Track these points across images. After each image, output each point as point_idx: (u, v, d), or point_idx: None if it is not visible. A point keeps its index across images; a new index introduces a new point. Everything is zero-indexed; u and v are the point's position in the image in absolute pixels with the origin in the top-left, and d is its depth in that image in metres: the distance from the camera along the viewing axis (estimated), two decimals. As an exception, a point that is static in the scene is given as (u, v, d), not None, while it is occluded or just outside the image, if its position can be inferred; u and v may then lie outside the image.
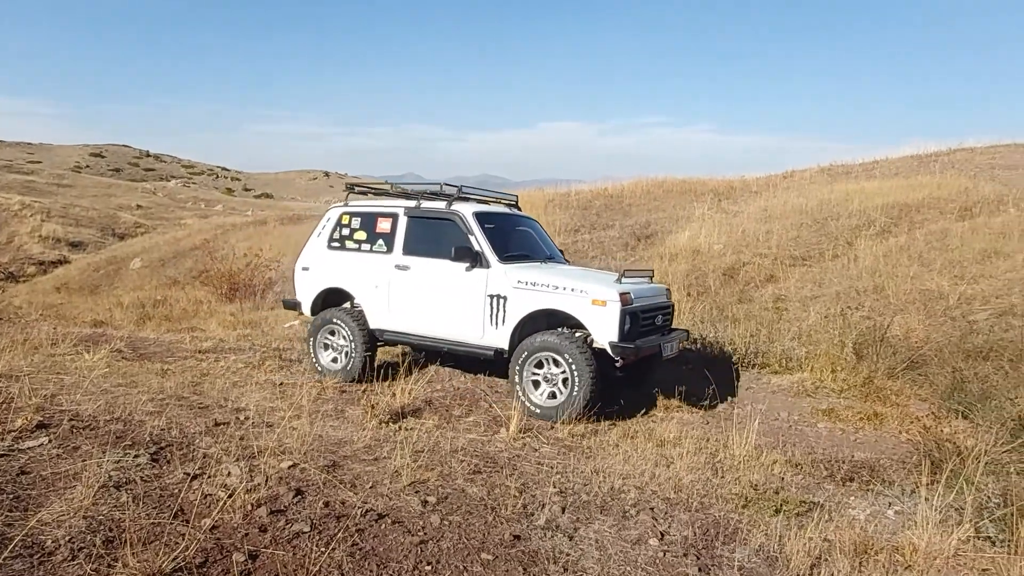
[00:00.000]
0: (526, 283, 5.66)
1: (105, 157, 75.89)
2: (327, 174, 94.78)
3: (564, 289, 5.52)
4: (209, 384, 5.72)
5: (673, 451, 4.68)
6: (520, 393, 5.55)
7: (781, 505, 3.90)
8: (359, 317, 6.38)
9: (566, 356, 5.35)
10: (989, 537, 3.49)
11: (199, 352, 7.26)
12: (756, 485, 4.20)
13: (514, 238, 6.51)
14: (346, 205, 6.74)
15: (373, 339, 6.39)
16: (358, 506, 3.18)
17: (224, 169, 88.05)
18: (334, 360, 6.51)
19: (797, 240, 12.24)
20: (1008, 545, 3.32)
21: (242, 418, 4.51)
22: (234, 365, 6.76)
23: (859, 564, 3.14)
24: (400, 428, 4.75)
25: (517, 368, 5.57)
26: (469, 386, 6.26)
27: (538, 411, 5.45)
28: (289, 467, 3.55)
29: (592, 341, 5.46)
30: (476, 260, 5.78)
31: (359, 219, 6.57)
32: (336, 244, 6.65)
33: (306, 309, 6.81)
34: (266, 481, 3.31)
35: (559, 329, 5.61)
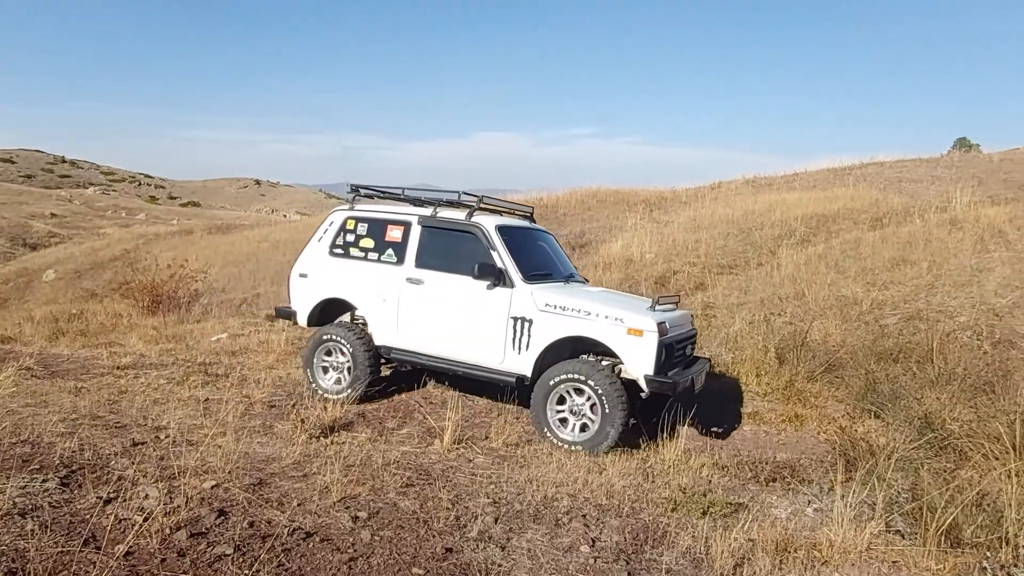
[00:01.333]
0: (555, 307, 5.23)
1: (16, 163, 71.58)
2: (258, 182, 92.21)
3: (597, 316, 5.11)
4: (127, 402, 5.45)
5: (606, 458, 4.75)
6: (547, 430, 5.14)
7: (708, 507, 4.01)
8: (363, 333, 5.89)
9: (593, 385, 4.96)
10: (899, 531, 3.69)
11: (117, 368, 6.90)
12: (685, 488, 4.31)
13: (534, 255, 6.00)
14: (352, 209, 6.17)
15: (378, 357, 5.93)
16: (285, 525, 3.09)
17: (147, 176, 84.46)
18: (337, 381, 5.99)
19: (724, 249, 12.69)
20: (915, 538, 3.52)
21: (162, 437, 4.32)
22: (155, 381, 6.45)
23: (780, 562, 3.27)
24: (331, 442, 4.65)
25: (542, 402, 5.15)
26: (403, 397, 6.19)
27: (561, 444, 5.05)
28: (212, 487, 3.42)
29: (620, 371, 5.15)
30: (499, 278, 5.35)
31: (366, 225, 6.03)
32: (339, 251, 6.10)
33: (302, 319, 6.28)
34: (187, 503, 3.17)
35: (584, 357, 5.28)
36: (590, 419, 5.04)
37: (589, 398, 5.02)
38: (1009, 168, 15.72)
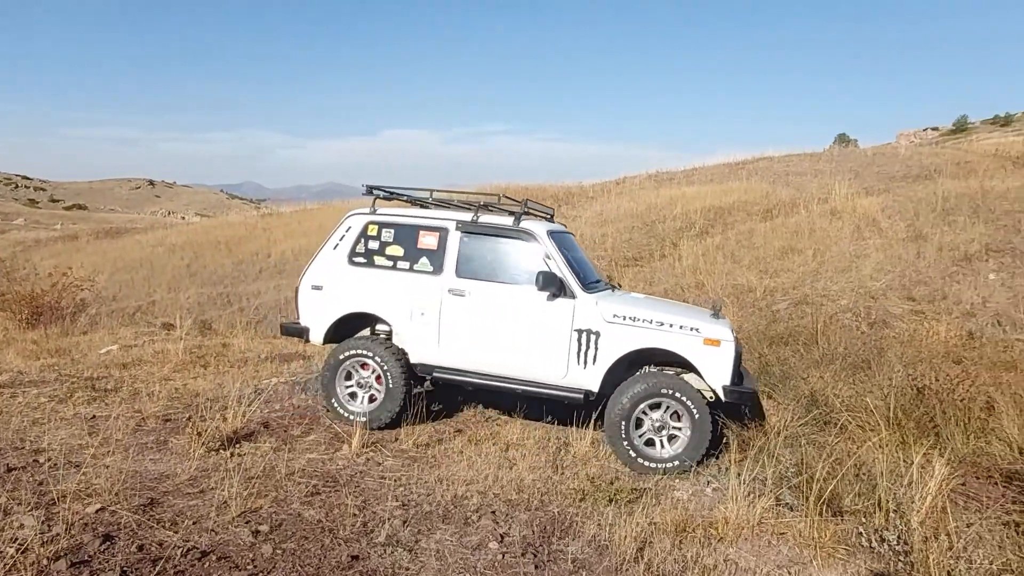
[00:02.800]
0: (624, 317, 4.91)
1: None
2: (152, 183, 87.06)
3: (671, 326, 4.84)
4: (2, 424, 5.02)
5: (517, 453, 4.81)
6: (630, 449, 4.76)
7: (615, 495, 4.13)
8: (397, 349, 5.38)
9: (689, 406, 4.67)
10: (787, 504, 3.93)
11: (-9, 388, 6.34)
12: (593, 478, 4.43)
13: (578, 260, 5.61)
14: (373, 213, 5.56)
15: (414, 376, 5.45)
16: (178, 546, 2.94)
17: (25, 178, 77.97)
18: (370, 399, 5.42)
19: (630, 242, 13.10)
20: (801, 509, 3.76)
21: (42, 460, 4.01)
22: (35, 400, 5.97)
23: (679, 542, 3.42)
24: (232, 455, 4.46)
25: (621, 413, 4.77)
26: (310, 403, 6.02)
27: (657, 466, 4.70)
28: (97, 511, 3.21)
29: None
30: (560, 288, 5.01)
31: (392, 231, 5.47)
32: (361, 259, 5.50)
33: (316, 337, 5.59)
34: (67, 529, 2.97)
35: (664, 370, 5.06)
36: (676, 434, 4.77)
37: (675, 413, 4.76)
38: (881, 162, 17.07)
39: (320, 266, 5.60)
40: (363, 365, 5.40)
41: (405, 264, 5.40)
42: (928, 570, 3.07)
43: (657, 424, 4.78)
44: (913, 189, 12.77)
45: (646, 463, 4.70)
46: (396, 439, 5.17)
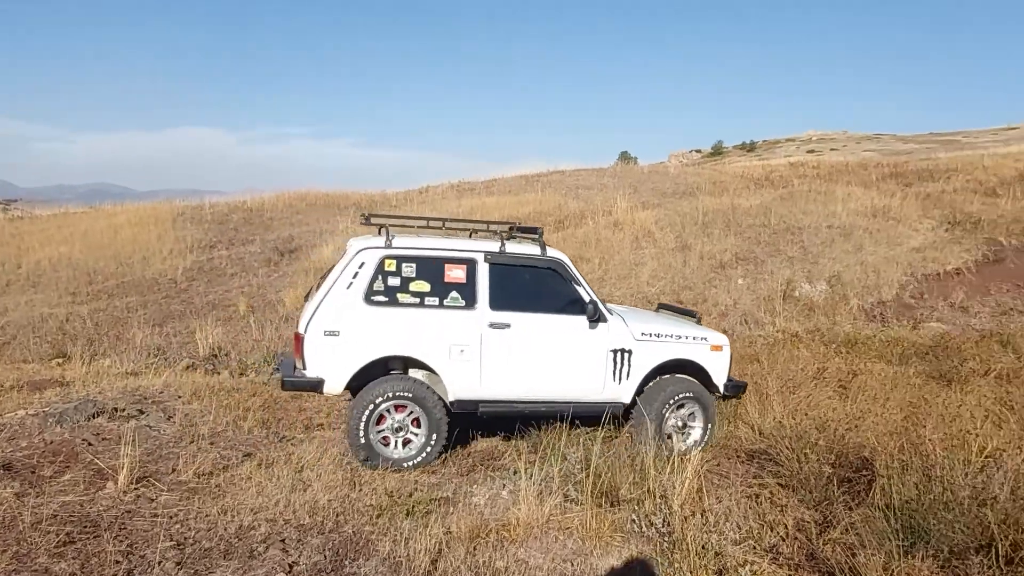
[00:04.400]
0: (650, 335, 5.44)
1: None
2: None
3: (688, 338, 5.54)
4: None
5: (312, 473, 4.61)
6: (665, 443, 5.28)
7: (413, 507, 4.13)
8: (432, 388, 5.10)
9: (702, 404, 5.46)
10: (573, 499, 4.21)
11: None
12: (392, 492, 4.39)
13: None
14: (388, 247, 5.06)
15: (450, 413, 5.15)
16: None
17: None
18: (404, 443, 5.05)
19: (432, 251, 13.19)
20: (585, 503, 4.06)
21: None
22: None
23: (473, 548, 3.51)
24: (-43, 508, 3.75)
25: (652, 419, 5.23)
26: (66, 437, 5.26)
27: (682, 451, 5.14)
28: None
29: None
30: (596, 313, 5.22)
31: (413, 265, 5.08)
32: (381, 298, 5.01)
33: (336, 386, 4.98)
34: None
35: (680, 376, 5.57)
36: (694, 427, 5.52)
37: (691, 413, 5.50)
38: (656, 179, 19.12)
39: (332, 308, 4.95)
40: (398, 407, 5.03)
41: (434, 300, 5.08)
42: (687, 546, 3.47)
43: (682, 420, 5.49)
44: (680, 204, 14.44)
45: (674, 447, 5.27)
46: (173, 470, 4.70)
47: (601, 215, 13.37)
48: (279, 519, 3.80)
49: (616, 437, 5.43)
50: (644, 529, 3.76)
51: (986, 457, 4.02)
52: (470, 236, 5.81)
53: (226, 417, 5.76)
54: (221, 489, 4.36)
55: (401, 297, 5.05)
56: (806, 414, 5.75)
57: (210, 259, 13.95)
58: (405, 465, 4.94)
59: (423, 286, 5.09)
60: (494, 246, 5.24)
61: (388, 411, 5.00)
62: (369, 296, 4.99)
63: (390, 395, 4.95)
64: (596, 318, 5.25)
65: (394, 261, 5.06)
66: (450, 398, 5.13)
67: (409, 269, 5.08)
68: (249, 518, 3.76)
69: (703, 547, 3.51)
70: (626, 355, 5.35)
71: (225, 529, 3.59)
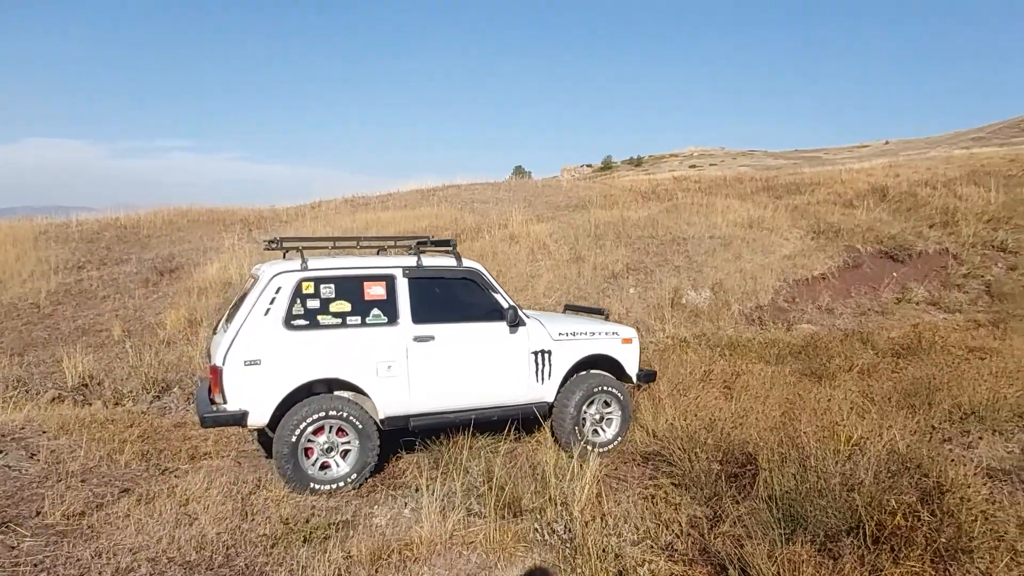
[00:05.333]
0: (567, 334, 5.70)
1: None
2: None
3: (601, 334, 5.89)
4: None
5: (199, 506, 4.33)
6: (584, 436, 5.54)
7: (310, 533, 3.97)
8: (361, 406, 5.02)
9: (618, 394, 5.79)
10: (476, 512, 4.21)
11: None
12: (287, 519, 4.20)
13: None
14: (305, 269, 4.93)
15: (379, 431, 5.08)
16: None
17: None
18: (343, 455, 4.96)
19: (326, 267, 12.83)
20: (488, 516, 4.06)
21: None
22: None
23: (375, 571, 3.42)
24: None
25: (572, 415, 5.56)
26: (-95, 486, 4.65)
27: (602, 448, 5.50)
28: None
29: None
30: (516, 318, 5.39)
31: (332, 286, 4.99)
32: (302, 322, 4.87)
33: (262, 418, 4.76)
34: None
35: (593, 372, 5.84)
36: (610, 422, 5.84)
37: (608, 404, 5.81)
38: (549, 192, 19.54)
39: (251, 336, 4.74)
40: (317, 431, 4.86)
41: (356, 319, 5.03)
42: (588, 550, 3.55)
43: (603, 416, 5.76)
44: (573, 217, 14.84)
45: (592, 442, 5.52)
46: (38, 513, 4.27)
47: (497, 228, 13.50)
48: (162, 557, 3.54)
49: (519, 448, 5.49)
50: (547, 537, 3.81)
51: (853, 446, 4.38)
52: (377, 253, 5.90)
53: (99, 451, 5.31)
54: (94, 530, 4.01)
55: (322, 319, 4.97)
56: (696, 415, 6.04)
57: (79, 281, 12.85)
58: (327, 488, 4.82)
59: (344, 306, 5.04)
60: (411, 261, 5.29)
61: (309, 440, 4.84)
62: (289, 321, 4.87)
63: (320, 416, 4.83)
64: (516, 322, 5.42)
65: (312, 283, 4.98)
66: (380, 416, 5.09)
67: (328, 290, 5.02)
68: (127, 559, 3.47)
69: (603, 550, 3.60)
70: (547, 355, 5.59)
71: (100, 573, 3.30)
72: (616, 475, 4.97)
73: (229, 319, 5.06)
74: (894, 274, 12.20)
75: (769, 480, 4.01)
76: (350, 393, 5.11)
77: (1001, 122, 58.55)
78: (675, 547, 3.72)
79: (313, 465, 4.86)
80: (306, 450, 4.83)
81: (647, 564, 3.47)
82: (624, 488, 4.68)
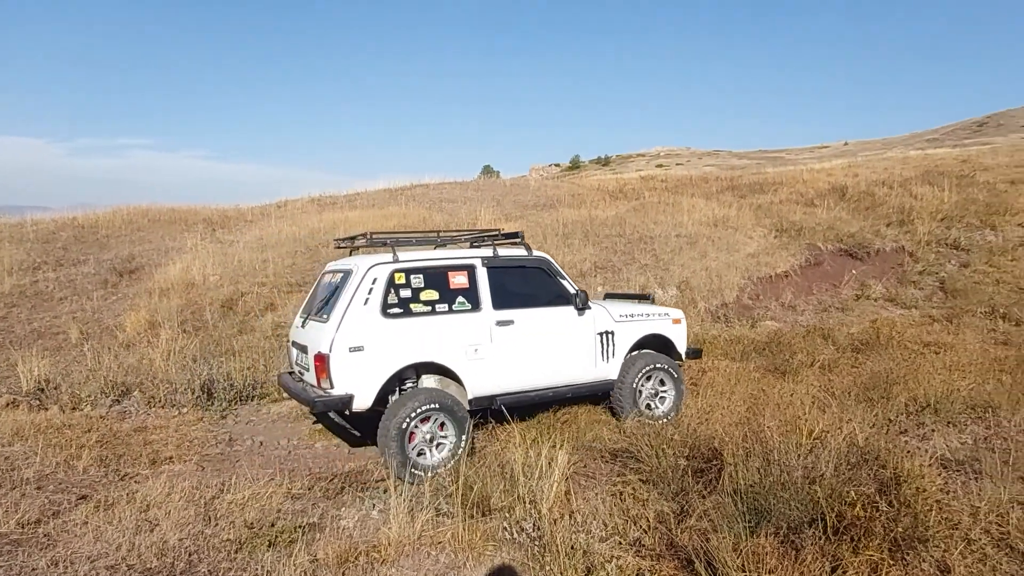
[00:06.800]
0: (627, 315, 6.22)
1: None
2: None
3: (654, 315, 6.44)
4: None
5: (160, 512, 4.23)
6: (645, 407, 6.10)
7: (276, 537, 3.91)
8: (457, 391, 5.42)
9: (672, 372, 6.29)
10: (445, 513, 4.19)
11: None
12: (252, 524, 4.13)
13: None
14: (396, 261, 5.33)
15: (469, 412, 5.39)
16: None
17: None
18: (438, 447, 5.20)
19: (293, 267, 12.67)
20: (457, 516, 4.04)
21: None
22: None
23: (342, 573, 3.38)
24: None
25: (633, 390, 6.07)
26: None
27: (661, 419, 5.96)
28: None
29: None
30: (583, 302, 5.88)
31: (421, 276, 5.39)
32: (396, 311, 5.24)
33: (364, 401, 5.08)
34: None
35: (647, 351, 6.35)
36: (666, 398, 6.34)
37: (663, 383, 6.33)
38: (517, 192, 19.58)
39: (352, 325, 5.08)
40: (424, 420, 5.13)
41: (443, 306, 5.40)
42: (557, 548, 3.56)
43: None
44: (541, 216, 14.89)
45: (649, 415, 6.09)
46: (-8, 525, 4.12)
47: (466, 228, 13.47)
48: (121, 565, 3.46)
49: (488, 447, 5.48)
50: (515, 536, 3.82)
51: (814, 439, 4.47)
52: (435, 246, 6.18)
53: (56, 457, 5.16)
54: (51, 538, 3.90)
55: (414, 307, 5.34)
56: (662, 411, 6.12)
57: (34, 282, 12.45)
58: (435, 472, 4.96)
59: (432, 295, 5.41)
60: (488, 251, 5.72)
61: (416, 426, 5.09)
62: (385, 309, 5.22)
63: (423, 408, 5.08)
64: (583, 306, 5.90)
65: (403, 274, 5.35)
66: (469, 397, 5.44)
67: (417, 280, 5.40)
68: (85, 567, 3.38)
69: (572, 547, 3.61)
70: (610, 336, 6.08)
71: (55, 583, 3.20)
72: (585, 472, 5.00)
73: (319, 312, 5.49)
74: (853, 271, 12.50)
75: (734, 474, 4.07)
76: (437, 377, 5.44)
77: (954, 124, 60.49)
78: (643, 542, 3.75)
79: (413, 450, 5.08)
80: (410, 435, 5.06)
81: (615, 560, 3.49)
82: (592, 485, 4.70)
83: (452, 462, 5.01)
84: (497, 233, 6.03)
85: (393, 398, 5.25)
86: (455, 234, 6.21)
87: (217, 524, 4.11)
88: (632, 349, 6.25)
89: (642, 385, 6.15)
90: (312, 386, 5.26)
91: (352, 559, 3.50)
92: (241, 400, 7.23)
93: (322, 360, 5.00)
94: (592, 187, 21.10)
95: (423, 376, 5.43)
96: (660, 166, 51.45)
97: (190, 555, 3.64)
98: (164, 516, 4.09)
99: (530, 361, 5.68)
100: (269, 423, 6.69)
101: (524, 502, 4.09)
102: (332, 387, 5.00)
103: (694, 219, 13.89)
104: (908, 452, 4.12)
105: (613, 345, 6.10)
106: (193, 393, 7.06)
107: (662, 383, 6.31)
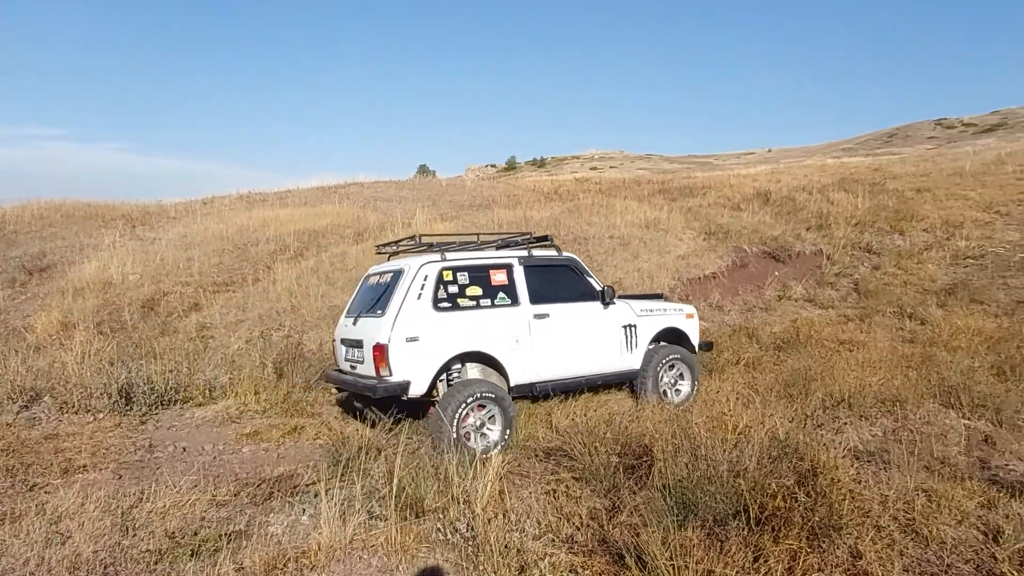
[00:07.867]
0: (648, 310, 6.79)
1: None
2: None
3: (670, 310, 7.06)
4: None
5: (72, 523, 4.00)
6: (663, 394, 6.63)
7: (199, 546, 3.77)
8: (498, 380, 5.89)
9: (689, 365, 6.85)
10: (378, 515, 4.12)
11: None
12: (173, 533, 3.96)
13: None
14: (444, 260, 5.85)
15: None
16: None
17: None
18: (483, 434, 5.59)
19: (220, 266, 12.25)
20: (390, 518, 3.99)
21: None
22: None
23: (270, 581, 3.28)
24: None
25: (655, 378, 6.62)
26: None
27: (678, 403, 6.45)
28: None
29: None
30: (609, 298, 6.41)
31: (466, 274, 5.91)
32: (446, 304, 5.73)
33: (420, 388, 5.50)
34: None
35: (664, 344, 6.94)
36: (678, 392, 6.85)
37: (683, 376, 6.91)
38: (453, 192, 19.54)
39: (408, 317, 5.51)
40: (479, 407, 5.52)
41: (487, 301, 5.89)
42: (490, 547, 3.57)
43: (674, 381, 6.85)
44: (477, 216, 14.89)
45: (670, 400, 6.62)
46: None
47: (401, 227, 13.33)
48: (29, 582, 3.24)
49: (421, 448, 5.44)
50: (449, 536, 3.80)
51: (739, 434, 4.65)
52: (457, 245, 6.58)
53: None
54: (-51, 556, 3.62)
55: (461, 302, 5.81)
56: (595, 410, 6.23)
57: (-70, 281, 11.58)
58: (487, 455, 5.04)
59: (476, 291, 5.90)
60: (523, 252, 6.31)
61: (471, 411, 5.48)
62: (436, 303, 5.67)
63: (472, 397, 5.44)
64: (609, 301, 6.45)
65: (451, 271, 5.84)
66: (511, 383, 5.90)
67: (463, 277, 5.89)
68: (-13, 586, 3.16)
69: (506, 546, 3.62)
70: (633, 329, 6.62)
71: (-47, 604, 2.98)
72: (519, 471, 5.03)
73: (371, 309, 5.88)
74: (776, 273, 13.05)
75: (663, 470, 4.19)
76: (480, 367, 5.87)
77: (867, 134, 64.14)
78: (575, 539, 3.81)
79: (464, 435, 5.42)
80: (463, 417, 5.41)
81: (548, 557, 3.53)
82: (526, 484, 4.73)
83: (494, 449, 5.37)
84: (530, 236, 6.56)
85: (441, 387, 5.67)
86: (493, 238, 6.75)
87: (135, 535, 3.93)
88: (651, 342, 6.81)
89: (664, 374, 6.70)
90: (368, 376, 5.59)
91: (280, 566, 3.41)
92: (163, 404, 6.92)
93: (381, 350, 5.39)
94: (528, 188, 21.26)
95: (467, 365, 5.86)
96: (594, 168, 52.32)
97: (106, 568, 3.46)
98: (77, 528, 3.88)
99: (565, 351, 6.16)
100: (193, 428, 6.43)
101: (458, 502, 4.08)
102: (391, 375, 5.38)
103: (627, 221, 14.20)
104: (824, 445, 4.32)
105: (636, 337, 6.63)
106: (110, 398, 6.71)
107: (681, 376, 6.88)
